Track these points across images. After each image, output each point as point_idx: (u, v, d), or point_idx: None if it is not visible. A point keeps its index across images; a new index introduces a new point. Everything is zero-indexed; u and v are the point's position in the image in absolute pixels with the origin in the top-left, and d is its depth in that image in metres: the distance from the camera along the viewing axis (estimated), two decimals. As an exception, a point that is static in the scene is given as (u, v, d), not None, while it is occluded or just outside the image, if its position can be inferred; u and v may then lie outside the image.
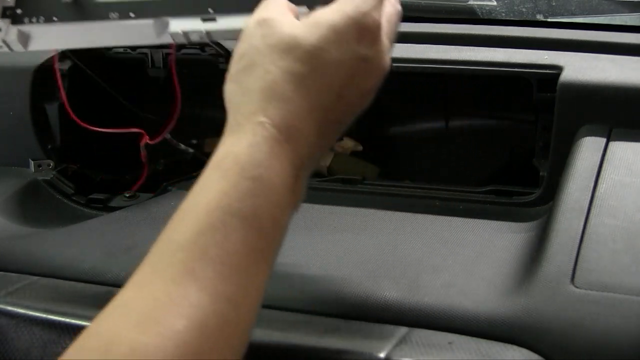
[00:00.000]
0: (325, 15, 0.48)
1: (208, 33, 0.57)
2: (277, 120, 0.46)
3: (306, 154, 0.47)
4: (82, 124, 0.82)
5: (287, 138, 0.46)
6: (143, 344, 0.38)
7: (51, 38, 0.59)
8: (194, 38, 0.57)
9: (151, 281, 0.41)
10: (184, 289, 0.40)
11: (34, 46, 0.59)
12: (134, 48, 0.89)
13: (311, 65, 0.47)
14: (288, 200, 0.46)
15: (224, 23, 0.57)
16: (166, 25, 0.58)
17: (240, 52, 0.49)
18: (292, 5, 0.51)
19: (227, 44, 0.85)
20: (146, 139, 0.83)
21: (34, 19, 0.59)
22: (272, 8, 0.50)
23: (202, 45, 0.85)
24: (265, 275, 0.44)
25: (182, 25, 0.57)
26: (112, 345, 0.38)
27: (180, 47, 0.87)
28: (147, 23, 0.58)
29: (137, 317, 0.39)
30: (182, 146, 0.87)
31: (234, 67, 0.49)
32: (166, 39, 0.58)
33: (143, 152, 0.83)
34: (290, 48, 0.47)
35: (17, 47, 0.59)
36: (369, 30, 0.49)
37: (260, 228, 0.44)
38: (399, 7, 0.54)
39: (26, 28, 0.59)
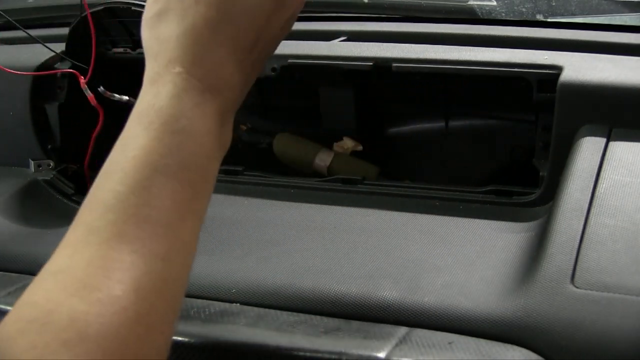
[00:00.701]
0: None
1: None
2: (195, 69, 0.45)
3: (230, 98, 0.47)
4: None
5: (208, 86, 0.45)
6: (83, 312, 0.37)
7: None
8: None
9: (84, 244, 0.40)
10: (118, 252, 0.39)
11: None
12: (134, 48, 0.89)
13: (225, 8, 0.46)
14: (215, 147, 0.45)
15: None
16: None
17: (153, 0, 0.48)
18: None
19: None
20: (81, 80, 0.82)
21: None
22: None
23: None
24: (196, 227, 0.44)
25: None
26: (51, 315, 0.37)
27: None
28: None
29: (74, 284, 0.38)
30: (116, 96, 0.85)
31: (148, 11, 0.48)
32: None
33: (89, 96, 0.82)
34: None
35: None
36: None
37: (188, 181, 0.43)
38: None
39: None
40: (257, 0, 0.47)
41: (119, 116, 0.86)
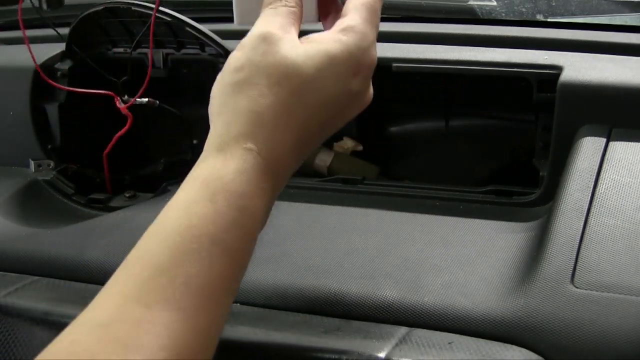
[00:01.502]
0: (327, 45, 0.48)
1: None
2: (265, 150, 0.45)
3: (283, 184, 0.48)
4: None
5: (272, 170, 0.46)
6: None
7: None
8: None
9: (133, 302, 0.40)
10: (167, 317, 0.39)
11: None
12: (134, 48, 0.89)
13: (306, 98, 0.47)
14: (260, 230, 0.46)
15: None
16: None
17: (237, 64, 0.48)
18: (298, 14, 0.50)
19: (227, 44, 0.85)
20: (117, 102, 0.83)
21: None
22: (276, 22, 0.49)
23: (202, 45, 0.85)
24: (231, 304, 0.44)
25: None
26: None
27: (180, 47, 0.87)
28: None
29: (120, 341, 0.38)
30: (138, 100, 0.85)
31: (228, 77, 0.48)
32: None
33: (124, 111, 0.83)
34: (289, 75, 0.46)
35: None
36: (366, 68, 0.50)
37: (238, 260, 0.43)
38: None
39: None
40: (337, 93, 0.48)
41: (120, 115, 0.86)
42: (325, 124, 0.49)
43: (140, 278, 0.41)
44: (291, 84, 0.46)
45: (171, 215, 0.43)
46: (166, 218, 0.43)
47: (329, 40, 0.48)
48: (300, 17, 0.51)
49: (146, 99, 0.85)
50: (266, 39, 0.47)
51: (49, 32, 0.98)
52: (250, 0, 0.52)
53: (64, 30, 0.91)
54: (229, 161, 0.45)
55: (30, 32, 0.90)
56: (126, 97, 0.84)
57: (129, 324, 0.39)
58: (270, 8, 0.50)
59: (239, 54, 0.48)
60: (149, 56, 0.86)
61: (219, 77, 0.49)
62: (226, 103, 0.47)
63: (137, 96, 0.82)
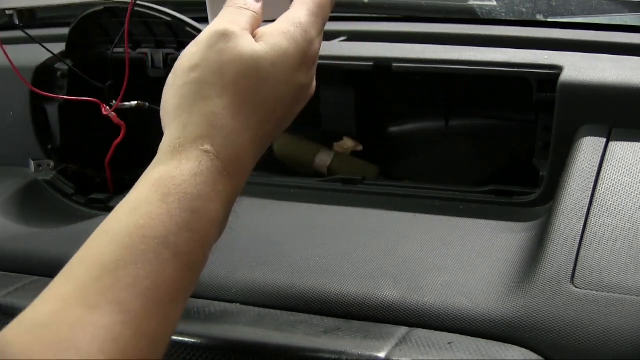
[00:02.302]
0: (278, 39, 0.48)
1: None
2: (222, 152, 0.45)
3: (241, 186, 0.46)
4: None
5: (229, 172, 0.45)
6: None
7: None
8: None
9: (76, 303, 0.38)
10: (109, 319, 0.38)
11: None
12: (134, 48, 0.89)
13: (262, 96, 0.46)
14: (216, 235, 0.45)
15: None
16: None
17: (192, 62, 0.47)
18: (257, 19, 0.50)
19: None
20: (104, 109, 0.82)
21: None
22: (234, 20, 0.48)
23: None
24: (182, 311, 0.42)
25: None
26: None
27: (180, 47, 0.87)
28: None
29: (56, 343, 0.36)
30: (126, 104, 0.84)
31: (182, 77, 0.47)
32: None
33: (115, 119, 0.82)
34: (246, 73, 0.46)
35: None
36: (310, 59, 0.50)
37: (190, 264, 0.42)
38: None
39: None
40: (287, 88, 0.48)
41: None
42: (280, 120, 0.49)
43: (84, 278, 0.39)
44: (248, 83, 0.46)
45: (121, 215, 0.42)
46: (115, 218, 0.42)
47: (279, 35, 0.48)
48: (259, 21, 0.50)
49: (135, 102, 0.84)
50: (223, 36, 0.47)
51: (49, 32, 0.98)
52: (223, 2, 0.52)
53: (64, 31, 0.91)
54: (184, 163, 0.44)
55: (31, 32, 0.90)
56: (113, 101, 0.83)
57: (68, 325, 0.37)
58: (231, 7, 0.50)
59: (194, 51, 0.47)
60: (149, 56, 0.86)
61: (171, 77, 0.48)
62: (181, 106, 0.46)
63: (118, 101, 0.80)
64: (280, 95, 0.48)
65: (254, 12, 0.50)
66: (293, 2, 0.52)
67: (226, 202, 0.45)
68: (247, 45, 0.47)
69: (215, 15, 0.51)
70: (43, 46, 0.85)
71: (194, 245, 0.42)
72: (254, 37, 0.48)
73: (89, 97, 0.82)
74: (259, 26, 0.50)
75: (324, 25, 0.52)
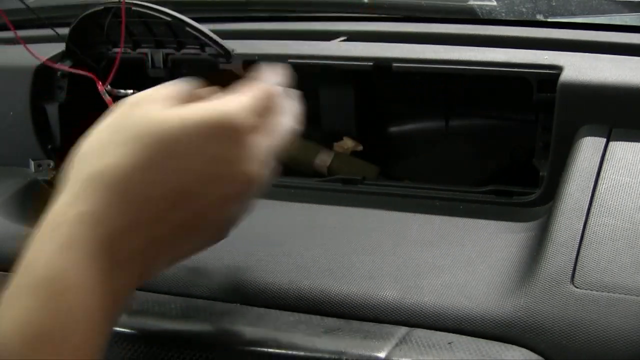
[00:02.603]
0: (199, 108, 0.44)
1: None
2: (101, 230, 0.41)
3: (130, 274, 0.42)
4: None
5: (110, 257, 0.41)
6: None
7: None
8: None
9: None
10: None
11: None
12: (134, 48, 0.89)
13: (162, 164, 0.42)
14: (98, 344, 0.40)
15: None
16: None
17: (100, 126, 0.46)
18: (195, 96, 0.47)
19: (227, 44, 0.85)
20: (99, 86, 0.81)
21: None
22: (152, 96, 0.46)
23: (202, 45, 0.85)
24: None
25: None
26: None
27: (180, 47, 0.87)
28: None
29: None
30: (122, 92, 0.84)
31: (97, 134, 0.46)
32: None
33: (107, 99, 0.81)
34: (148, 136, 0.43)
35: None
36: (232, 130, 0.44)
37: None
38: (290, 124, 0.50)
39: None
40: (200, 160, 0.43)
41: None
42: (186, 196, 0.43)
43: None
44: (148, 147, 0.42)
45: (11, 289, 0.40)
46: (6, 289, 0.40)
47: (196, 107, 0.45)
48: (199, 97, 0.47)
49: (131, 91, 0.83)
50: (137, 102, 0.45)
51: (49, 32, 0.98)
52: None
53: (64, 31, 0.91)
54: (56, 237, 0.41)
55: (31, 32, 0.90)
56: (108, 86, 0.83)
57: None
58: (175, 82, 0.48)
59: (112, 113, 0.46)
60: (149, 56, 0.87)
61: (84, 141, 0.46)
62: (73, 169, 0.45)
63: (110, 77, 0.79)
64: (188, 166, 0.43)
65: (192, 87, 0.48)
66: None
67: (106, 287, 0.41)
68: (156, 109, 0.44)
69: None
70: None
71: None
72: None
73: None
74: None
75: (264, 110, 0.48)
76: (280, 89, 0.51)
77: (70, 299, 0.39)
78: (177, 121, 0.43)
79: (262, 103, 0.48)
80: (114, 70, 0.78)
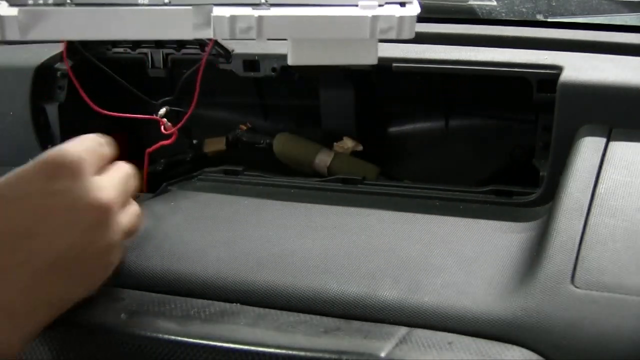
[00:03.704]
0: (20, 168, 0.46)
1: (259, 19, 0.47)
2: None
3: None
4: (97, 109, 0.81)
5: None
6: None
7: (61, 25, 0.46)
8: (242, 26, 0.47)
9: None
10: None
11: (36, 34, 0.47)
12: (134, 48, 0.89)
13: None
14: None
15: (277, 11, 0.47)
16: (208, 13, 0.47)
17: None
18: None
19: (227, 44, 0.85)
20: (162, 128, 0.81)
21: (39, 0, 0.46)
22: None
23: (202, 46, 0.85)
24: None
25: (229, 11, 0.46)
26: None
27: (180, 47, 0.87)
28: (185, 10, 0.47)
29: None
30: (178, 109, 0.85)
31: None
32: (205, 33, 0.47)
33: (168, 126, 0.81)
34: None
35: (14, 34, 0.46)
36: (63, 166, 0.46)
37: None
38: (126, 168, 0.52)
39: (29, 11, 0.46)
40: (24, 193, 0.45)
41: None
42: (26, 234, 0.43)
43: None
44: None
45: None
46: None
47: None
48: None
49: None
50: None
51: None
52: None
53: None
54: None
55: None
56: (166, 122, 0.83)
57: None
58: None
59: None
60: (149, 56, 0.87)
61: None
62: None
63: (182, 122, 0.80)
64: (13, 201, 0.43)
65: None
66: None
67: None
68: None
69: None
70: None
71: None
72: None
73: (86, 95, 0.82)
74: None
75: (89, 151, 0.50)
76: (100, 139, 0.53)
77: None
78: (5, 177, 0.45)
79: (87, 143, 0.50)
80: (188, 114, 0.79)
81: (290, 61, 0.51)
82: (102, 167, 0.51)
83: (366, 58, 0.49)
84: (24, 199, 0.43)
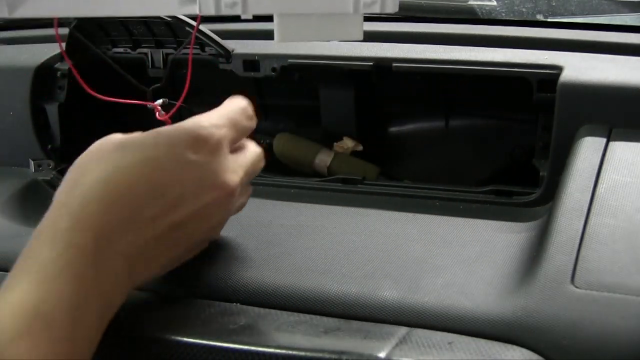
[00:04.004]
0: (166, 128, 0.49)
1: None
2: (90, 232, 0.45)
3: (114, 272, 0.46)
4: (92, 92, 0.81)
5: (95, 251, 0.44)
6: None
7: (49, 1, 0.47)
8: (227, 1, 0.47)
9: None
10: None
11: (24, 12, 0.46)
12: (134, 48, 0.89)
13: (129, 171, 0.46)
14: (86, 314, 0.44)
15: None
16: None
17: (90, 148, 0.50)
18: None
19: (227, 44, 0.85)
20: (157, 114, 0.81)
21: None
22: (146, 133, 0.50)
23: (202, 45, 0.85)
24: None
25: None
26: None
27: (180, 47, 0.87)
28: None
29: None
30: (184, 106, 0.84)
31: (83, 157, 0.49)
32: (191, 9, 0.48)
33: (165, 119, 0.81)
34: (113, 150, 0.47)
35: (1, 11, 0.45)
36: (205, 141, 0.49)
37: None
38: (258, 152, 0.56)
39: None
40: (166, 161, 0.48)
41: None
42: (163, 195, 0.47)
43: None
44: (127, 156, 0.47)
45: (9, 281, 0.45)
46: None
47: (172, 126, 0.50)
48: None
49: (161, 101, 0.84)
50: (121, 145, 0.49)
51: (49, 32, 0.98)
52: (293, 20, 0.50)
53: (64, 31, 0.91)
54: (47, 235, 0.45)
55: (31, 32, 0.90)
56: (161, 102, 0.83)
57: None
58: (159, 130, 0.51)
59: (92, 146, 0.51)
60: (149, 56, 0.86)
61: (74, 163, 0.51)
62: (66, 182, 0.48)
63: (175, 108, 0.80)
64: (155, 165, 0.47)
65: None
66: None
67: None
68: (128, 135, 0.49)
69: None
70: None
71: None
72: None
73: (87, 95, 0.82)
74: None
75: (232, 126, 0.52)
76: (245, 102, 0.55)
77: (61, 282, 0.43)
78: (152, 133, 0.48)
79: (234, 116, 0.53)
80: (180, 100, 0.79)
81: (276, 39, 0.51)
82: (239, 146, 0.54)
83: (352, 34, 0.50)
84: (164, 161, 0.47)
